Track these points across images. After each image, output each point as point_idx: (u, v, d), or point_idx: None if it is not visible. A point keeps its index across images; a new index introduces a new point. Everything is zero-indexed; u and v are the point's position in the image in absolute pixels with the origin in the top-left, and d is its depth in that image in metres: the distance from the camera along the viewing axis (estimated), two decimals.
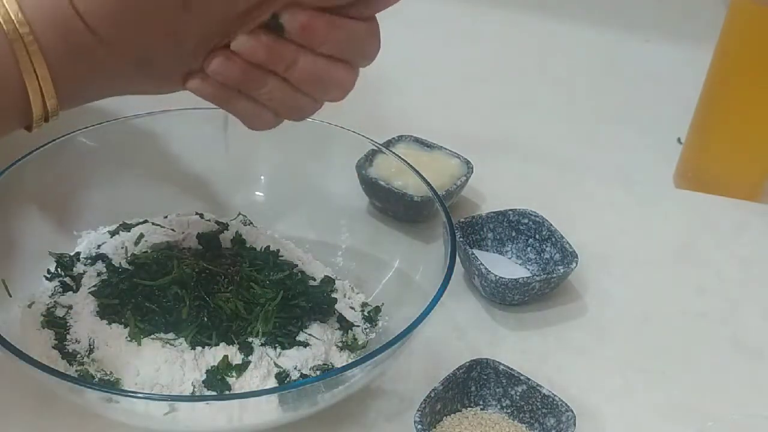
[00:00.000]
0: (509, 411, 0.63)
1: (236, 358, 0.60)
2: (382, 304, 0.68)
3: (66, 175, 0.70)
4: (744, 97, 0.82)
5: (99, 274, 0.65)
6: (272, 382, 0.60)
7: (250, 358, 0.60)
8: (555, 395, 0.61)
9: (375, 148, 0.74)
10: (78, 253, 0.68)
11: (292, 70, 0.52)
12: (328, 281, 0.69)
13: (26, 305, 0.64)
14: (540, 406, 0.61)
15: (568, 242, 0.73)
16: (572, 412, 0.60)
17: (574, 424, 0.59)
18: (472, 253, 0.72)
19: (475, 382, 0.63)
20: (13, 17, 0.47)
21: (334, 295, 0.68)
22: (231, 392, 0.59)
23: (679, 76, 0.98)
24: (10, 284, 0.62)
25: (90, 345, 0.61)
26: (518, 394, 0.62)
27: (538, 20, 1.15)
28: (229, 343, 0.61)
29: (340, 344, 0.64)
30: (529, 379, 0.62)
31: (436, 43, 1.10)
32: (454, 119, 0.96)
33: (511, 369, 0.62)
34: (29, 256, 0.66)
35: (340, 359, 0.63)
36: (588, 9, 1.17)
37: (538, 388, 0.61)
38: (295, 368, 0.61)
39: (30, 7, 0.48)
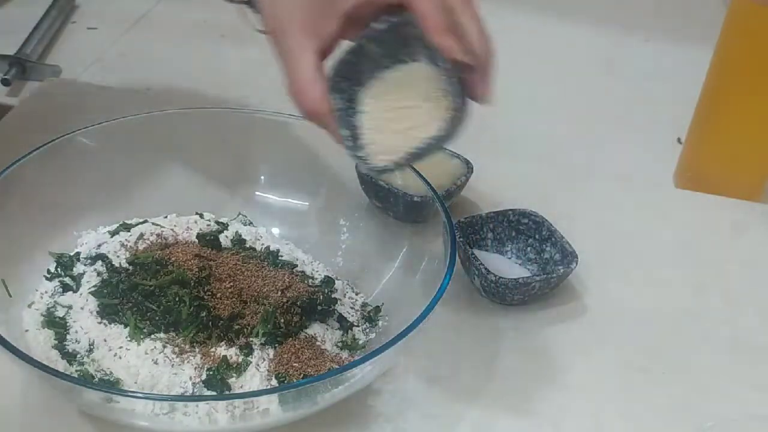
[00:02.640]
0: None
1: (236, 358, 0.60)
2: (382, 304, 0.68)
3: (66, 175, 0.70)
4: (744, 97, 0.82)
5: (99, 274, 0.65)
6: (272, 382, 0.60)
7: (250, 358, 0.60)
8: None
9: None
10: (78, 253, 0.68)
11: None
12: (328, 281, 0.69)
13: (26, 305, 0.64)
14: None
15: (568, 242, 0.73)
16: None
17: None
18: (472, 253, 0.72)
19: None
20: None
21: (334, 295, 0.68)
22: (231, 392, 0.59)
23: (679, 76, 0.98)
24: (10, 284, 0.62)
25: (90, 345, 0.61)
26: None
27: (538, 20, 1.15)
28: (229, 343, 0.61)
29: (340, 344, 0.64)
30: None
31: None
32: None
33: None
34: (29, 256, 0.66)
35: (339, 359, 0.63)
36: (588, 9, 1.17)
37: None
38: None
39: None
